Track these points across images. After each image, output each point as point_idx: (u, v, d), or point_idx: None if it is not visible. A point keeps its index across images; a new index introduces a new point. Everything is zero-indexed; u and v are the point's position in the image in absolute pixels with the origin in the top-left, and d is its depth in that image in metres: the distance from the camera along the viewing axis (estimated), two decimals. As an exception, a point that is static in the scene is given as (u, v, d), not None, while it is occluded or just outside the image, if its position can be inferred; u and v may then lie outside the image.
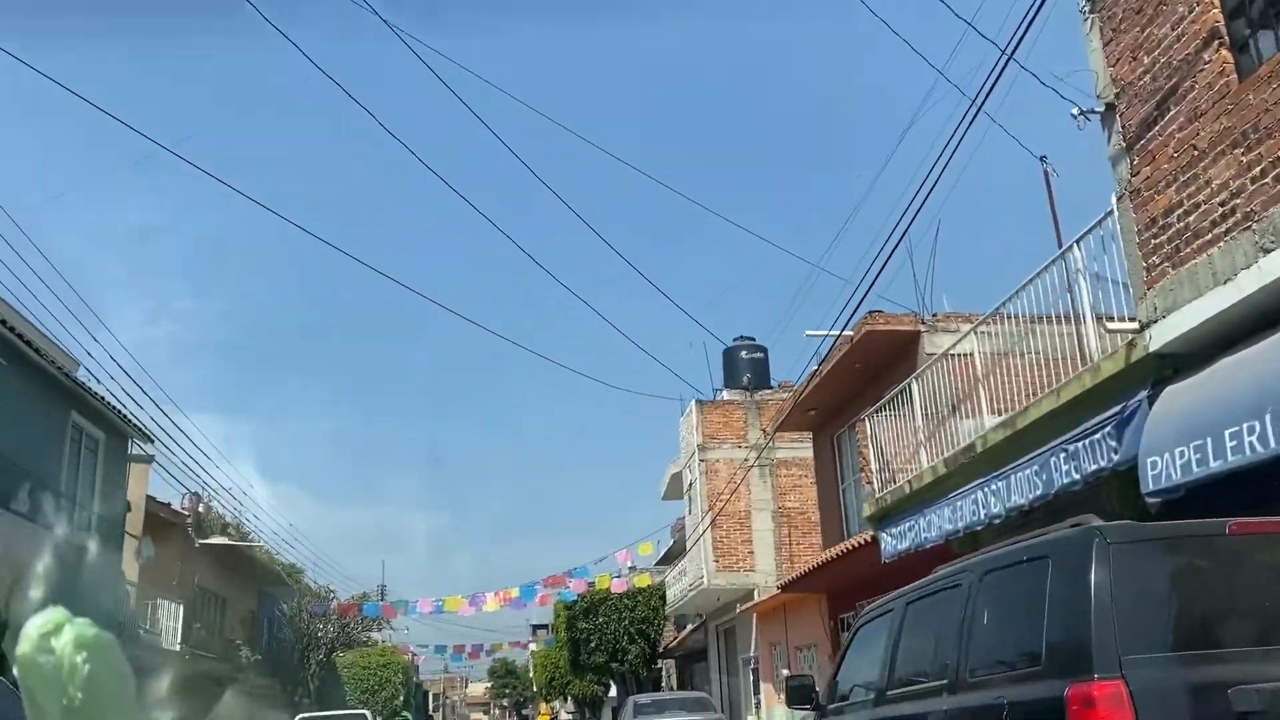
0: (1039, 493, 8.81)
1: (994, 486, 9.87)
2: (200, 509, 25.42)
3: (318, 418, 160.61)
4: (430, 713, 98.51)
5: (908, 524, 12.45)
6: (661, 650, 32.23)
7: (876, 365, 15.53)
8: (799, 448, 24.78)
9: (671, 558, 33.22)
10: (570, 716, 68.06)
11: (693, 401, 25.43)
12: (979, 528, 10.32)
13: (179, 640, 20.47)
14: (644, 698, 17.82)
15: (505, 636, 46.78)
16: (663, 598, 31.39)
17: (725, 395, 26.29)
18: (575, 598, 29.81)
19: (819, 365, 17.01)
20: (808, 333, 15.59)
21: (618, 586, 29.21)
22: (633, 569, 31.97)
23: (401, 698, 40.70)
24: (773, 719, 22.10)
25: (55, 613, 0.96)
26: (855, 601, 17.08)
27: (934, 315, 14.78)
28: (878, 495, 13.24)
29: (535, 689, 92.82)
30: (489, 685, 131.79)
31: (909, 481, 12.58)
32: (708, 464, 24.91)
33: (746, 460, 24.65)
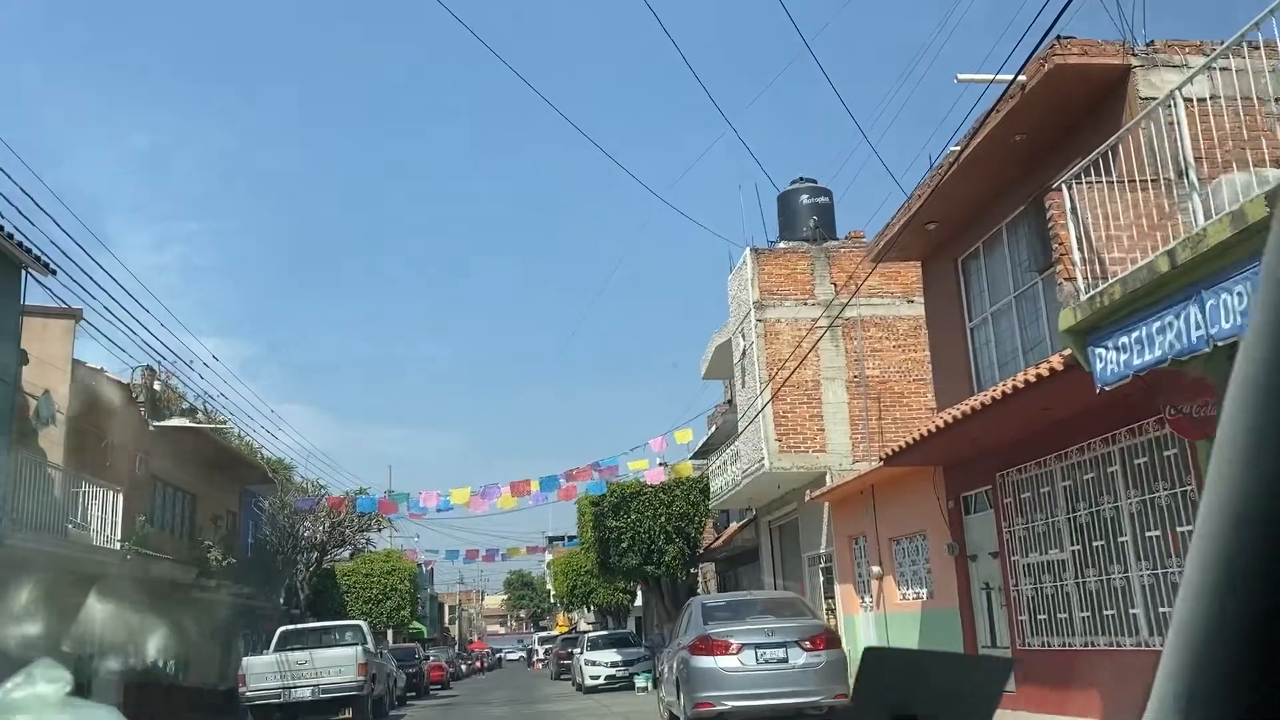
0: None
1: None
2: (156, 385, 21.13)
3: (329, 337, 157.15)
4: (446, 625, 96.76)
5: (1144, 329, 8.00)
6: (701, 552, 28.25)
7: (1051, 132, 10.89)
8: (879, 304, 20.27)
9: (710, 450, 28.99)
10: (590, 626, 65.25)
11: (746, 250, 20.84)
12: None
13: (117, 537, 16.36)
14: (715, 599, 13.62)
15: (522, 542, 43.04)
16: (704, 491, 27.27)
17: (785, 247, 21.68)
18: (604, 490, 25.68)
19: (946, 160, 12.38)
20: (959, 77, 10.88)
21: (654, 476, 25.03)
22: (663, 464, 27.84)
23: (409, 608, 36.89)
24: (853, 627, 18.06)
25: None
26: (996, 471, 12.74)
27: (1150, 44, 10.08)
28: (1088, 295, 8.76)
29: (553, 599, 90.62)
30: (505, 598, 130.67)
31: (1140, 271, 8.09)
32: (766, 325, 20.42)
33: (815, 321, 20.18)
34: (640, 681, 25.50)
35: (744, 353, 21.13)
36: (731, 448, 22.83)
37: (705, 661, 11.24)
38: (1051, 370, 9.61)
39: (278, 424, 70.31)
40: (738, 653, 11.21)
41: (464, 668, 57.60)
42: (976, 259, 13.70)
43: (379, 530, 30.37)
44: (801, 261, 20.83)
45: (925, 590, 15.63)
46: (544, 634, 79.10)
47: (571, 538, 45.06)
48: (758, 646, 11.21)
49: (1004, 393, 10.53)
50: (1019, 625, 12.37)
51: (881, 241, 14.54)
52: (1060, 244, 9.32)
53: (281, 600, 24.95)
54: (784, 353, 20.14)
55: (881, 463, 14.60)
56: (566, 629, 75.59)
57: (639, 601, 47.69)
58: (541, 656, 59.08)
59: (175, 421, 20.63)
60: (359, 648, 19.13)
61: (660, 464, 24.83)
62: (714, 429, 27.18)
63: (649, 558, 27.00)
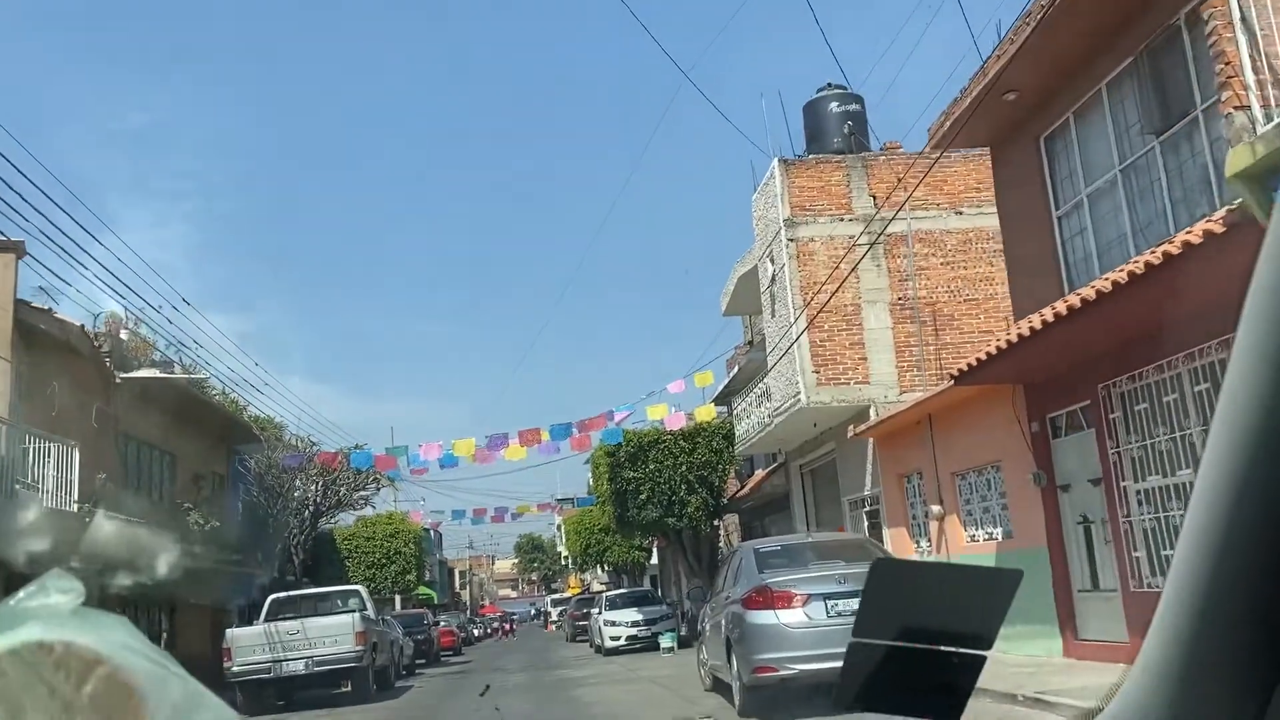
0: None
1: None
2: (124, 334, 19.08)
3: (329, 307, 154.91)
4: (457, 590, 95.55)
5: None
6: (725, 502, 26.29)
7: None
8: (925, 217, 18.11)
9: (732, 395, 26.96)
10: (605, 587, 63.73)
11: (774, 161, 18.62)
12: None
13: (74, 498, 14.37)
14: (768, 543, 11.58)
15: (532, 499, 40.97)
16: (727, 437, 25.28)
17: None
18: (620, 439, 23.64)
19: (1036, 6, 10.17)
20: None
21: (674, 422, 22.98)
22: (681, 413, 25.80)
23: (414, 573, 34.99)
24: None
25: None
26: (1099, 383, 10.65)
27: None
28: (1271, 125, 6.62)
29: (565, 560, 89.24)
30: (516, 561, 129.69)
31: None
32: (799, 245, 18.26)
33: (853, 238, 18.04)
34: (665, 642, 23.67)
35: (773, 278, 18.99)
36: (760, 386, 20.76)
37: (764, 617, 9.25)
38: (1207, 234, 7.48)
39: (265, 380, 68.00)
40: (804, 605, 9.21)
41: (476, 633, 56.06)
42: (1064, 135, 11.51)
43: (377, 489, 28.35)
44: (836, 172, 18.61)
45: (999, 530, 13.63)
46: (556, 596, 77.81)
47: (582, 499, 43.23)
48: (828, 597, 9.20)
49: (1132, 275, 8.41)
50: (1133, 563, 10.36)
51: (947, 122, 12.33)
52: (1227, 64, 7.17)
53: (275, 567, 23.04)
54: (819, 275, 18.02)
55: (951, 382, 12.52)
56: (579, 590, 74.25)
57: (654, 559, 46.05)
58: (555, 618, 57.53)
59: (144, 373, 18.59)
60: (356, 615, 17.23)
61: (679, 412, 22.72)
62: (735, 370, 25.13)
63: (669, 509, 25.04)
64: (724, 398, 27.92)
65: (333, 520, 27.30)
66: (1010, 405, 12.52)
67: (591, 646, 31.09)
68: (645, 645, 25.75)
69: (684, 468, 25.02)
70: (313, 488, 24.43)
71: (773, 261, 19.01)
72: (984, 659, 1.07)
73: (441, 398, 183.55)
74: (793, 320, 17.86)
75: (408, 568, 34.05)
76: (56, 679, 0.74)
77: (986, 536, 13.98)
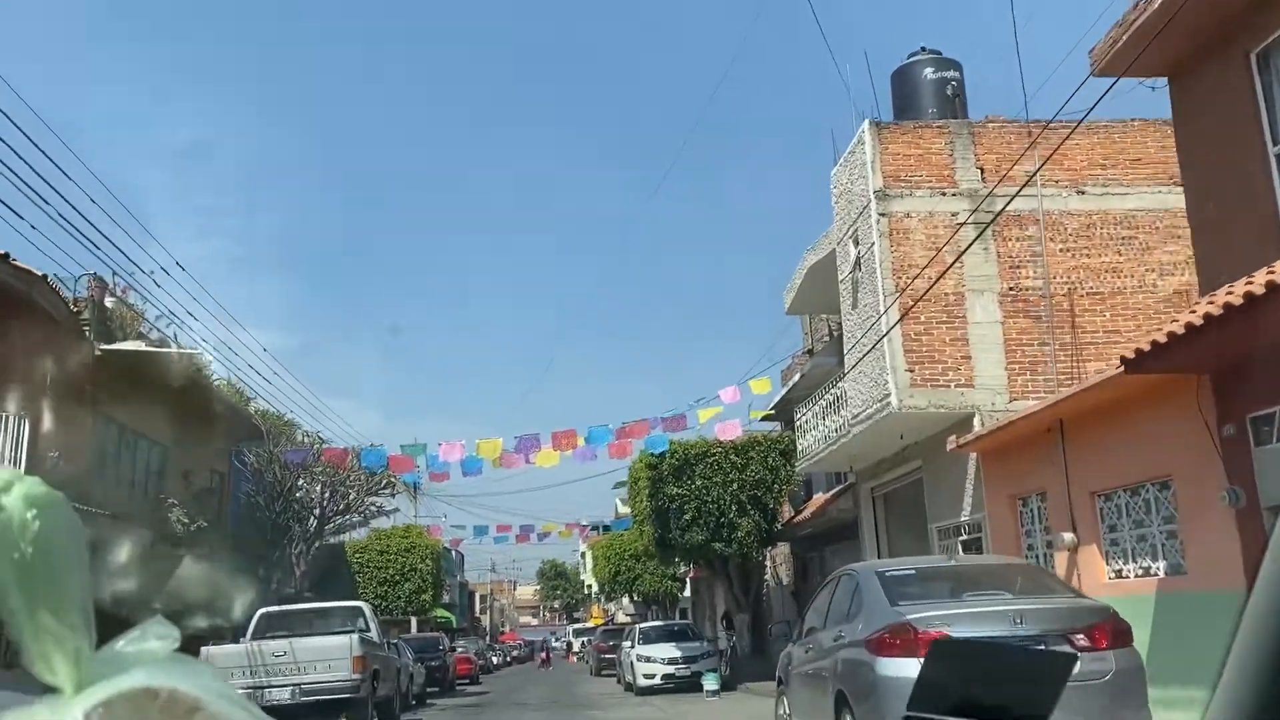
0: None
1: None
2: (109, 302, 16.72)
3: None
4: (477, 615, 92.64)
5: None
6: (778, 528, 23.44)
7: None
8: (1041, 195, 15.37)
9: (790, 405, 24.12)
10: (630, 619, 60.64)
11: (864, 124, 15.97)
12: None
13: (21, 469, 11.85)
14: (896, 566, 8.70)
15: (559, 518, 37.97)
16: (785, 454, 22.49)
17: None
18: (666, 447, 20.87)
19: None
20: None
21: (728, 431, 20.20)
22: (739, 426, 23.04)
23: (430, 592, 32.23)
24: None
25: (3, 471, 0.89)
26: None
27: None
28: None
29: (588, 590, 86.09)
30: (538, 588, 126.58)
31: None
32: (892, 221, 15.56)
33: (955, 216, 15.35)
34: (710, 683, 20.78)
35: (857, 262, 16.29)
36: (832, 392, 18.00)
37: (904, 667, 6.47)
38: None
39: (274, 370, 64.50)
40: (964, 653, 6.47)
41: (495, 660, 53.14)
42: (1290, 45, 8.78)
43: (393, 494, 25.61)
44: (937, 139, 15.93)
45: (1162, 563, 10.76)
46: (578, 625, 74.70)
47: (607, 527, 40.47)
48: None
49: None
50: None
51: (1124, 36, 9.61)
52: None
53: (275, 579, 20.41)
54: (915, 258, 15.31)
55: (1120, 368, 9.71)
56: (602, 621, 71.09)
57: (686, 591, 43.06)
58: (578, 650, 54.49)
59: (128, 345, 16.18)
60: (354, 637, 14.57)
61: (732, 422, 19.97)
62: (798, 378, 22.38)
63: (717, 533, 22.24)
64: (782, 409, 25.11)
65: (343, 530, 24.64)
66: (1191, 403, 9.71)
67: (620, 683, 28.22)
68: (682, 686, 22.90)
69: (735, 485, 22.25)
70: (318, 489, 21.84)
71: (857, 243, 16.32)
72: None
73: (477, 419, 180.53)
74: (882, 310, 15.13)
75: (424, 586, 31.27)
76: None
77: (1141, 572, 11.10)
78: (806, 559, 25.15)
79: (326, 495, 21.90)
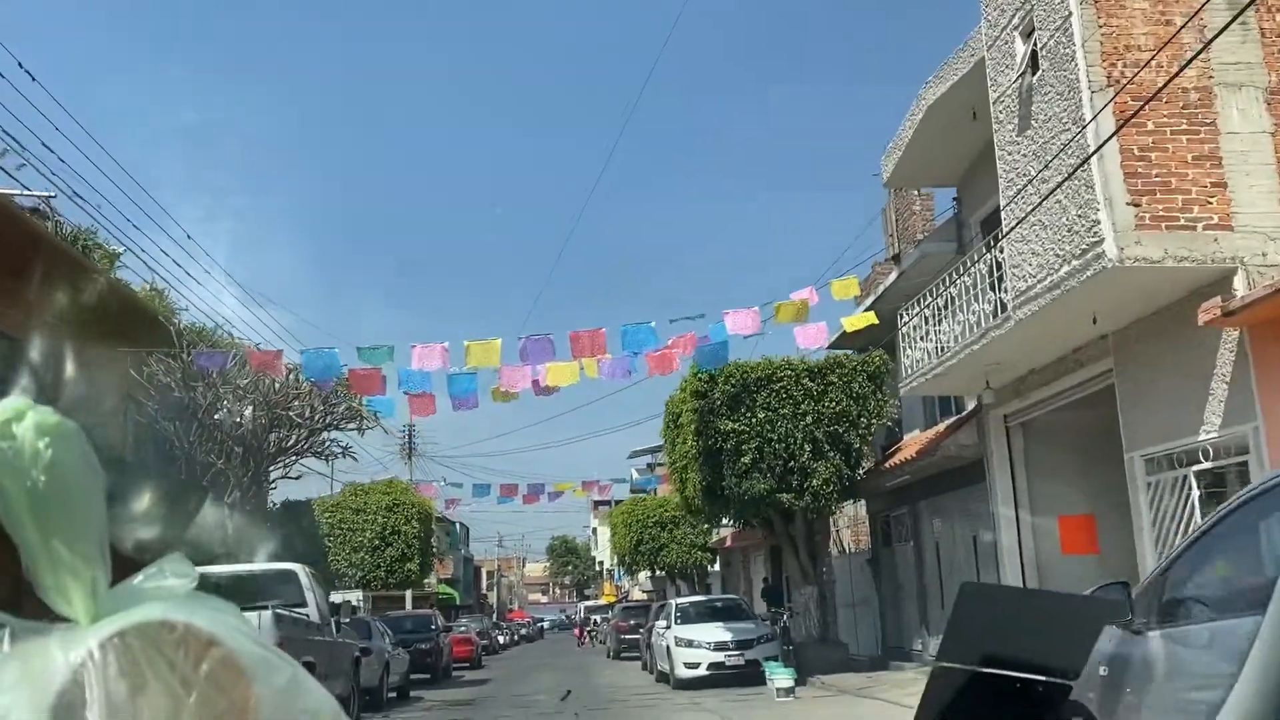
0: None
1: None
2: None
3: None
4: (484, 592, 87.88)
5: None
6: (861, 475, 18.09)
7: None
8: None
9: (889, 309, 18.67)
10: (647, 596, 55.54)
11: None
12: None
13: None
14: None
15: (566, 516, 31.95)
16: (873, 377, 17.23)
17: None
18: (725, 357, 15.37)
19: None
20: None
21: (810, 337, 14.81)
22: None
23: (418, 559, 26.80)
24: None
25: (16, 400, 0.92)
26: None
27: None
28: None
29: (600, 566, 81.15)
30: (547, 565, 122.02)
31: None
32: (1096, -16, 10.12)
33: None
34: (779, 676, 15.46)
35: (1030, 58, 10.87)
36: (971, 273, 12.65)
37: None
38: None
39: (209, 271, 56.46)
40: None
41: (501, 640, 48.19)
42: None
43: (359, 427, 19.80)
44: None
45: None
46: (590, 603, 69.81)
47: (639, 481, 35.27)
48: None
49: None
50: None
51: None
52: None
53: (183, 528, 15.13)
54: (1136, 35, 9.92)
55: None
56: (614, 598, 66.09)
57: (715, 565, 37.88)
58: (592, 628, 49.43)
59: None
60: (268, 614, 9.37)
61: (815, 325, 14.56)
62: (893, 278, 16.98)
63: (784, 480, 16.96)
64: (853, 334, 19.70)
65: (291, 474, 19.12)
66: None
67: (650, 671, 23.11)
68: (737, 677, 17.74)
69: (809, 419, 16.94)
70: (248, 411, 16.18)
71: (1031, 32, 10.90)
72: (1068, 689, 1.13)
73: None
74: (1087, 113, 9.72)
75: (409, 553, 25.93)
76: (176, 656, 0.82)
77: None
78: (889, 519, 19.86)
79: (263, 422, 16.34)
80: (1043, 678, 1.27)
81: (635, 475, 47.65)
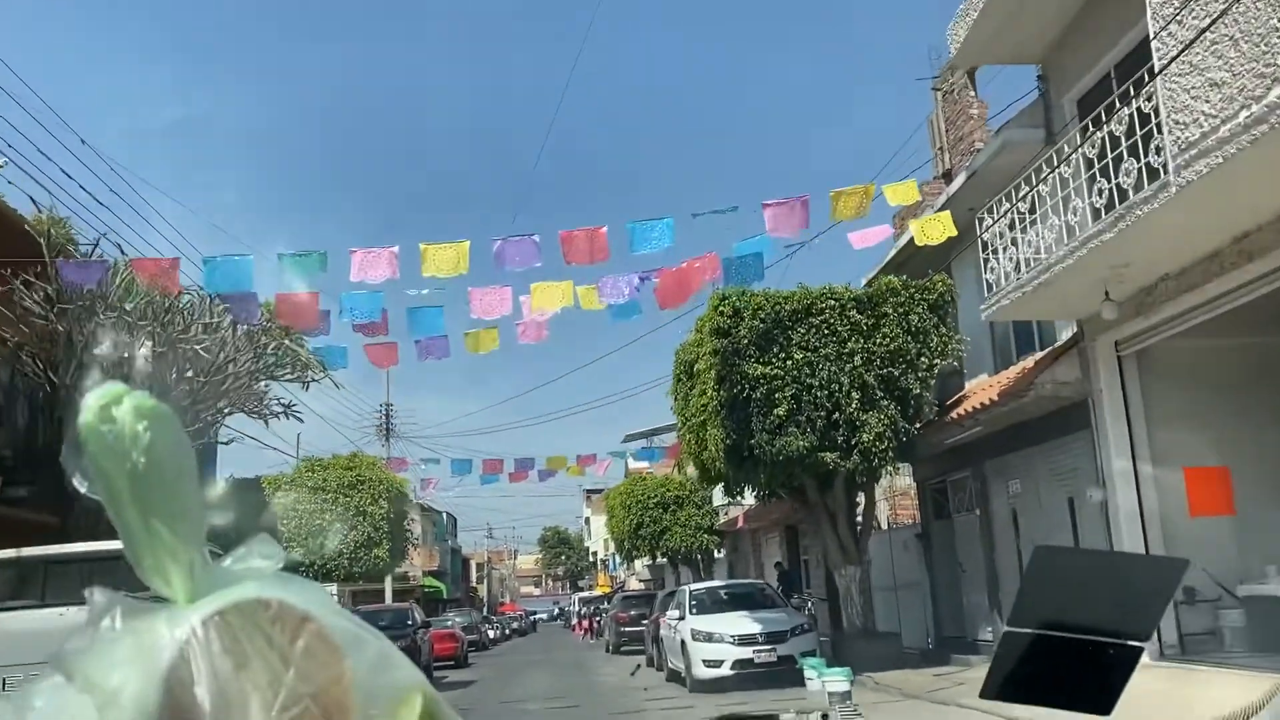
0: None
1: None
2: None
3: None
4: (474, 584, 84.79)
5: None
6: (918, 429, 14.89)
7: None
8: None
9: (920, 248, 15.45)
10: (643, 585, 52.47)
11: None
12: None
13: None
14: None
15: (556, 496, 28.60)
16: (934, 307, 14.13)
17: None
18: (760, 275, 12.19)
19: None
20: None
21: (869, 239, 11.58)
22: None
23: (387, 545, 23.39)
24: None
25: (114, 385, 0.92)
26: None
27: None
28: None
29: (598, 554, 78.08)
30: (539, 556, 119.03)
31: None
32: None
33: None
34: (830, 677, 12.28)
35: None
36: (1104, 132, 9.50)
37: None
38: None
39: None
40: None
41: (491, 634, 45.04)
42: None
43: (302, 382, 16.24)
44: None
45: None
46: (584, 594, 66.84)
47: (642, 452, 32.04)
48: None
49: None
50: None
51: None
52: None
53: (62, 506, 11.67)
54: None
55: None
56: (609, 589, 63.09)
57: (721, 552, 34.79)
58: (590, 620, 46.30)
59: None
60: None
61: (878, 229, 11.39)
62: (955, 190, 13.82)
63: (827, 435, 13.81)
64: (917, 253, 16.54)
65: (209, 429, 15.52)
66: None
67: (655, 666, 20.04)
68: (769, 677, 14.67)
69: (858, 360, 13.78)
70: (145, 347, 12.44)
71: None
72: (1139, 652, 1.08)
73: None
74: None
75: (377, 538, 22.59)
76: (273, 632, 0.85)
77: None
78: (945, 485, 16.73)
79: (170, 362, 12.77)
80: (1114, 639, 1.14)
81: (631, 460, 44.42)
